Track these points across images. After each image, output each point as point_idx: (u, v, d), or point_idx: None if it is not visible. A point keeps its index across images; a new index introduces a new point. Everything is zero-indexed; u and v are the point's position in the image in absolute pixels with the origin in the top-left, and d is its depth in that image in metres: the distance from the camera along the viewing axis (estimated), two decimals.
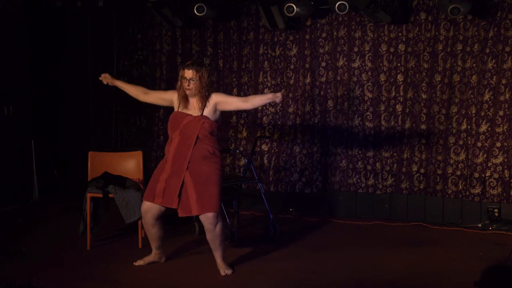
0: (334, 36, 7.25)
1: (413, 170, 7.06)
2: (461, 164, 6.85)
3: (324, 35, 7.31)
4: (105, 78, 5.55)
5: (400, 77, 7.04)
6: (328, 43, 7.30)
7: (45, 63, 8.11)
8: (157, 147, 7.93)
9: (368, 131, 7.18)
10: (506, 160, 6.65)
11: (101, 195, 5.86)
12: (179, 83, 5.24)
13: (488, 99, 6.67)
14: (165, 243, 5.58)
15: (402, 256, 5.80)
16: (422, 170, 7.03)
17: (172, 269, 5.39)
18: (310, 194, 7.48)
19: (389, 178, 7.16)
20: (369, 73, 7.15)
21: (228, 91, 7.62)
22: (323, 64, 7.32)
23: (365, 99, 7.18)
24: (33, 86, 7.95)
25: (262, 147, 7.59)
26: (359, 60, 7.17)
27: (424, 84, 6.95)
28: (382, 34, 7.07)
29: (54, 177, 8.15)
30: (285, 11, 6.86)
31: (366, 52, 7.14)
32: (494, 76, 6.63)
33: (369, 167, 7.22)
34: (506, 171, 6.66)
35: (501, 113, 6.63)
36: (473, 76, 6.72)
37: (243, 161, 7.60)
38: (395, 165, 7.13)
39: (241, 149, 7.59)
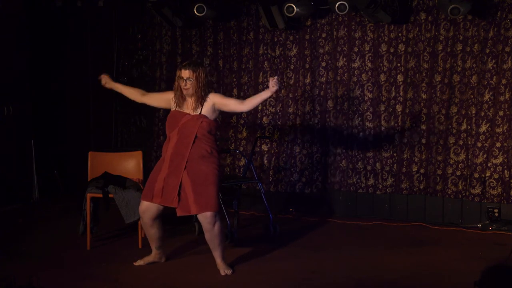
0: (334, 36, 7.25)
1: (413, 170, 7.06)
2: (461, 164, 6.85)
3: (324, 35, 7.31)
4: (104, 79, 5.55)
5: (400, 77, 7.04)
6: (328, 43, 7.30)
7: (45, 63, 8.11)
8: (157, 147, 7.93)
9: (368, 131, 7.18)
10: (506, 160, 6.65)
11: (101, 195, 5.86)
12: (176, 83, 5.25)
13: (488, 99, 6.67)
14: (165, 243, 5.58)
15: (402, 256, 5.80)
16: (422, 170, 7.03)
17: (172, 269, 5.39)
18: (310, 194, 7.48)
19: (389, 178, 7.16)
20: (369, 73, 7.15)
21: (228, 91, 7.63)
22: (323, 64, 7.32)
23: (365, 99, 7.18)
24: (33, 86, 7.95)
25: (262, 147, 7.59)
26: (359, 60, 7.17)
27: (424, 84, 6.95)
28: (382, 34, 7.07)
29: (54, 177, 8.15)
30: (285, 11, 6.86)
31: (366, 52, 7.14)
32: (494, 76, 6.63)
33: (369, 167, 7.22)
34: (506, 171, 6.66)
35: (501, 113, 6.63)
36: (473, 76, 6.72)
37: (243, 161, 7.60)
38: (395, 165, 7.13)
39: (241, 149, 7.59)
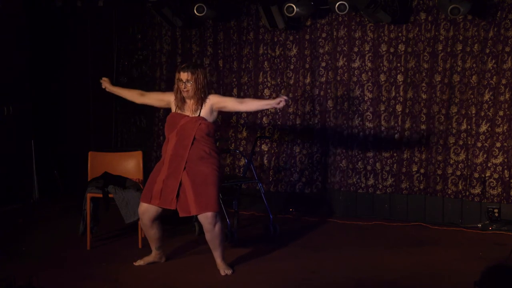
0: (334, 36, 7.25)
1: (413, 170, 7.06)
2: (461, 164, 6.86)
3: (324, 35, 7.31)
4: (105, 82, 5.56)
5: (400, 77, 7.04)
6: (328, 43, 7.30)
7: (45, 63, 8.11)
8: (157, 147, 7.93)
9: (368, 131, 7.18)
10: (506, 160, 6.65)
11: (101, 195, 5.86)
12: (175, 85, 5.25)
13: (488, 99, 6.67)
14: (165, 243, 5.58)
15: (402, 256, 5.80)
16: (422, 170, 7.03)
17: (172, 269, 5.39)
18: (310, 194, 7.48)
19: (389, 178, 7.16)
20: (369, 73, 7.15)
21: (228, 91, 7.63)
22: (323, 64, 7.32)
23: (365, 99, 7.18)
24: (33, 86, 7.95)
25: (262, 147, 7.59)
26: (359, 60, 7.17)
27: (424, 84, 6.95)
28: (382, 34, 7.07)
29: (54, 177, 8.15)
30: (285, 11, 6.86)
31: (366, 52, 7.14)
32: (494, 76, 6.63)
33: (369, 167, 7.22)
34: (506, 171, 6.66)
35: (501, 113, 6.63)
36: (473, 76, 6.72)
37: (243, 161, 7.60)
38: (395, 165, 7.13)
39: (241, 149, 7.59)
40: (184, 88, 5.18)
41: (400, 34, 7.00)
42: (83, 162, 6.35)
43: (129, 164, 6.31)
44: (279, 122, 7.53)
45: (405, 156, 7.09)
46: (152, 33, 8.04)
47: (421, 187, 7.05)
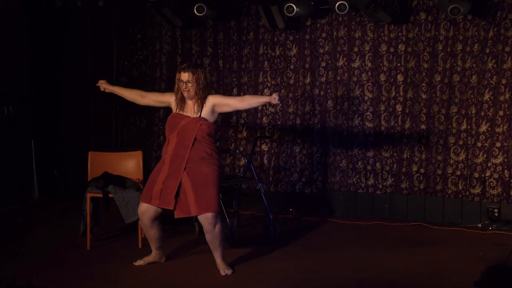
0: (334, 36, 7.25)
1: (413, 170, 7.06)
2: (461, 164, 6.85)
3: (324, 35, 7.31)
4: (102, 84, 5.55)
5: (400, 77, 7.04)
6: (328, 43, 7.30)
7: (45, 63, 8.11)
8: (157, 147, 7.93)
9: (368, 131, 7.18)
10: (506, 160, 6.65)
11: (101, 195, 5.86)
12: (176, 86, 5.25)
13: (488, 99, 6.67)
14: (165, 243, 5.58)
15: (402, 256, 5.80)
16: (422, 170, 7.03)
17: (172, 269, 5.39)
18: (310, 194, 7.48)
19: (389, 178, 7.16)
20: (369, 73, 7.15)
21: (228, 91, 7.63)
22: (323, 64, 7.32)
23: (365, 99, 7.18)
24: (33, 86, 7.95)
25: (262, 147, 7.59)
26: (359, 60, 7.17)
27: (424, 84, 6.95)
28: (382, 34, 7.07)
29: (54, 177, 8.15)
30: (285, 11, 6.86)
31: (366, 52, 7.14)
32: (494, 76, 6.63)
33: (369, 167, 7.22)
34: (506, 171, 6.66)
35: (501, 113, 6.63)
36: (473, 76, 6.72)
37: (243, 161, 7.60)
38: (395, 165, 7.13)
39: (241, 149, 7.59)
40: (185, 89, 5.18)
41: (400, 34, 7.00)
42: (83, 162, 6.35)
43: (129, 164, 6.31)
44: (279, 122, 7.53)
45: (405, 156, 7.09)
46: (152, 33, 8.04)
47: (421, 187, 7.05)
